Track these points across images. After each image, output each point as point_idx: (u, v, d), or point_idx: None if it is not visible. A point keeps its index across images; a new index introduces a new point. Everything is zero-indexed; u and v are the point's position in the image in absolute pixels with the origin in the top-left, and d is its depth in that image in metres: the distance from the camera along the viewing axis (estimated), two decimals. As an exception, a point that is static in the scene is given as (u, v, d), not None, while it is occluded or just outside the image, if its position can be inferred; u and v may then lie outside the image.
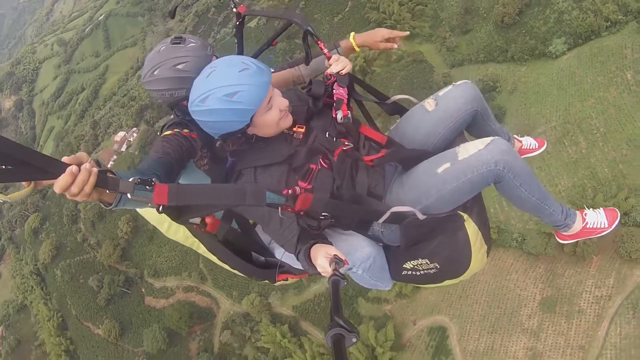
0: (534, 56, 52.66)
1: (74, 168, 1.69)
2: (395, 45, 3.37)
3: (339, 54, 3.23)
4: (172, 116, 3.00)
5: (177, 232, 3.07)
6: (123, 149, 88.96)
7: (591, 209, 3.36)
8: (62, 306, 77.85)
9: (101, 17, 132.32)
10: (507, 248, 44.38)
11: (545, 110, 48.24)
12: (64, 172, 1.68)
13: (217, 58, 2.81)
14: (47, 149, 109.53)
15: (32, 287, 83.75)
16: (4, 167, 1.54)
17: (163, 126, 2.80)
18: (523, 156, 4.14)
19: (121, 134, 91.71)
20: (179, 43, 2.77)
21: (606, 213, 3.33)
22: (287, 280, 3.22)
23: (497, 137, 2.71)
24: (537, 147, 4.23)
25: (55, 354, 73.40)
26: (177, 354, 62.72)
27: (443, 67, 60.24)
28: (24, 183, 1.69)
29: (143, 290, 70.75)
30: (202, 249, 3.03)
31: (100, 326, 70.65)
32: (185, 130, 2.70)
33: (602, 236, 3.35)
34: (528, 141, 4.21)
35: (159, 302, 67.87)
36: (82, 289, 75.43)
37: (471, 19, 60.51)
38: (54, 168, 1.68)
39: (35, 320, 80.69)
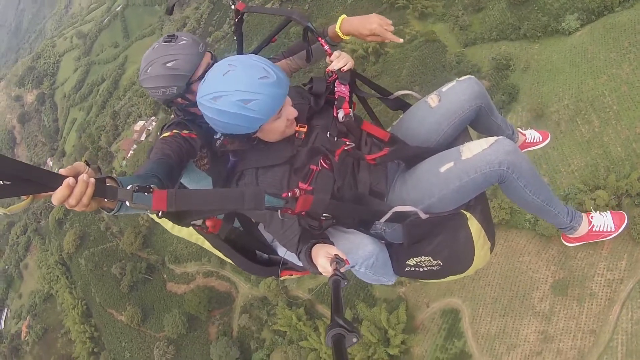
0: (547, 33, 51.03)
1: (70, 180, 1.65)
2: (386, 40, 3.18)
3: (326, 40, 3.18)
4: (172, 115, 3.03)
5: (182, 230, 3.08)
6: (142, 138, 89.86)
7: (598, 212, 3.35)
8: (87, 294, 79.38)
9: (119, 7, 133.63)
10: (520, 229, 43.40)
11: (558, 89, 46.77)
12: (61, 184, 1.65)
13: (211, 55, 2.85)
14: (70, 141, 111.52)
15: (58, 276, 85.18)
16: (1, 182, 1.55)
17: (163, 127, 2.80)
18: (527, 149, 4.19)
19: (140, 123, 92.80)
20: (170, 41, 2.78)
21: (613, 216, 3.33)
22: (291, 276, 3.24)
23: (502, 137, 2.67)
24: (540, 140, 4.22)
25: (80, 341, 75.03)
26: (196, 338, 63.51)
27: (456, 46, 58.76)
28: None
29: (165, 276, 71.45)
30: (207, 245, 3.09)
31: (123, 313, 71.91)
32: (185, 131, 2.71)
33: (608, 240, 3.29)
34: (532, 134, 4.20)
35: (180, 287, 68.60)
36: (106, 276, 76.61)
37: (484, -3, 59.20)
38: (51, 181, 1.65)
39: (61, 309, 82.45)
